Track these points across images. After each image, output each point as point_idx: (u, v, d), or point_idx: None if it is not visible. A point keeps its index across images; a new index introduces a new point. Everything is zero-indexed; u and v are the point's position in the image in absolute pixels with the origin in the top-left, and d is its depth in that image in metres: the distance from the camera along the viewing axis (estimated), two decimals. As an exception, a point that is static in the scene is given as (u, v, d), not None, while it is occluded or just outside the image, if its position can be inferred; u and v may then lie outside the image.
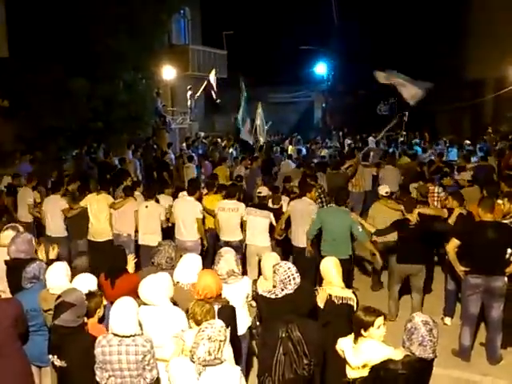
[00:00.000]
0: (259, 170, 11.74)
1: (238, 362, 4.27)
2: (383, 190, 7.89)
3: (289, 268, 4.34)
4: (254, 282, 5.09)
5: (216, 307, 4.10)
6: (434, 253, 7.50)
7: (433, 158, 13.48)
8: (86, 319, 4.02)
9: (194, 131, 21.99)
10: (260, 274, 5.22)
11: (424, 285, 7.59)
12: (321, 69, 30.57)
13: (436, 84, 24.93)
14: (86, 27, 12.62)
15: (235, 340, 4.24)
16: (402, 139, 20.81)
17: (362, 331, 3.73)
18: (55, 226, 8.20)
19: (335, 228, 6.70)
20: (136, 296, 4.73)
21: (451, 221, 6.58)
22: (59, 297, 3.94)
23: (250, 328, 4.98)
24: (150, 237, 7.59)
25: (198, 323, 3.64)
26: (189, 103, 21.11)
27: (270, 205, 7.84)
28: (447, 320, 6.73)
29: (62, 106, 12.84)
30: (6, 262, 5.16)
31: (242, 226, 7.69)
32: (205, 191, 8.85)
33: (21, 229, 5.85)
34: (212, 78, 18.51)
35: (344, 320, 4.25)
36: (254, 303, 4.81)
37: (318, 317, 4.38)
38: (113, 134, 14.80)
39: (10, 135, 12.79)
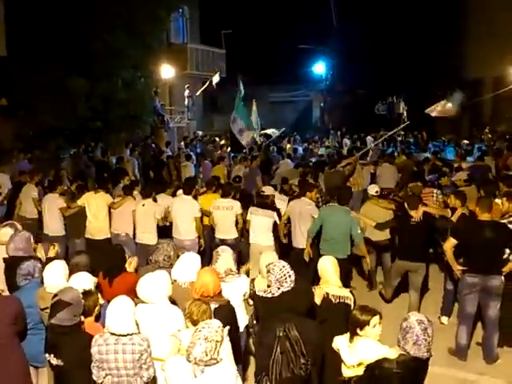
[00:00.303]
0: (258, 170, 11.75)
1: (237, 362, 4.27)
2: (373, 189, 7.91)
3: (283, 266, 4.34)
4: (252, 280, 5.11)
5: (213, 306, 4.09)
6: (430, 251, 7.51)
7: (428, 155, 13.49)
8: (82, 318, 4.02)
9: (192, 130, 21.99)
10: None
11: (422, 284, 7.63)
12: (319, 68, 30.57)
13: (435, 83, 25.03)
14: (84, 25, 12.59)
15: (236, 340, 4.24)
16: (400, 139, 20.83)
17: (358, 330, 3.74)
18: (53, 225, 8.20)
19: (335, 227, 6.71)
20: (134, 295, 4.74)
21: (454, 218, 6.55)
22: (55, 295, 3.95)
23: (247, 327, 4.99)
24: (147, 235, 7.63)
25: (195, 323, 3.64)
26: (187, 102, 21.10)
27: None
28: (444, 319, 6.75)
29: (60, 104, 12.81)
30: (5, 260, 5.18)
31: (237, 224, 7.73)
32: (202, 190, 8.86)
33: (19, 227, 5.87)
34: (215, 79, 18.52)
35: (341, 319, 4.25)
36: (251, 301, 4.82)
37: (316, 316, 4.39)
38: (111, 132, 14.78)
39: (9, 134, 12.77)
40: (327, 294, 4.50)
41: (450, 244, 5.78)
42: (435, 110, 12.64)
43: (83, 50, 12.67)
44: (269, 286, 4.35)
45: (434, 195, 8.35)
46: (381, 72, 25.62)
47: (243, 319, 4.88)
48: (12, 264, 4.98)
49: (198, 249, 7.68)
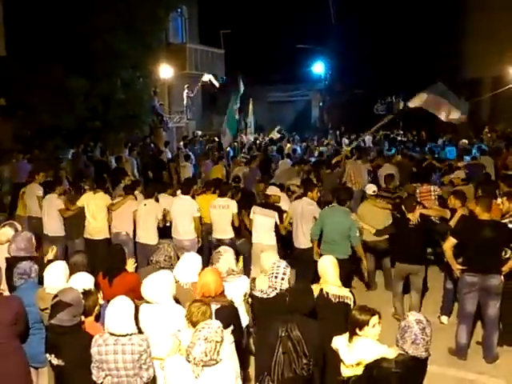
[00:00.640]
0: (258, 170, 11.75)
1: (241, 363, 4.27)
2: (370, 189, 7.90)
3: (278, 266, 4.39)
4: (253, 280, 5.11)
5: (214, 307, 4.09)
6: (428, 251, 7.51)
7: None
8: (83, 318, 4.02)
9: (191, 130, 21.99)
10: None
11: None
12: (318, 68, 30.58)
13: (433, 83, 25.04)
14: (83, 25, 12.59)
15: (239, 341, 4.24)
16: (399, 138, 20.84)
17: (357, 330, 3.74)
18: (52, 225, 8.19)
19: (335, 228, 6.71)
20: (133, 295, 4.75)
21: (453, 222, 6.53)
22: (56, 296, 3.95)
23: (247, 326, 4.99)
24: (147, 235, 7.63)
25: (194, 324, 3.63)
26: (186, 102, 21.10)
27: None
28: (444, 319, 6.75)
29: (59, 104, 12.81)
30: (7, 260, 5.19)
31: (233, 222, 7.75)
32: (200, 190, 8.86)
33: (18, 226, 5.88)
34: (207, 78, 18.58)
35: (341, 319, 4.25)
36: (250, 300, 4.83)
37: (316, 315, 4.40)
38: (110, 132, 14.78)
39: (8, 134, 12.77)
40: (327, 293, 4.50)
41: (449, 243, 5.78)
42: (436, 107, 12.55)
43: (82, 50, 12.67)
44: (254, 280, 4.39)
45: (432, 194, 8.35)
46: (380, 72, 25.64)
47: (244, 319, 4.89)
48: (13, 264, 4.97)
49: (198, 248, 7.70)
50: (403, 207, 6.69)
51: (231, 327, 4.16)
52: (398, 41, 24.75)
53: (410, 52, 24.68)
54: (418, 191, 8.43)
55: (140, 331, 4.03)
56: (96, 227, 8.00)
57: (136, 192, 8.37)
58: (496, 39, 21.07)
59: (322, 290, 4.53)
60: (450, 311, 6.75)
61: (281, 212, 7.57)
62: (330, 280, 4.61)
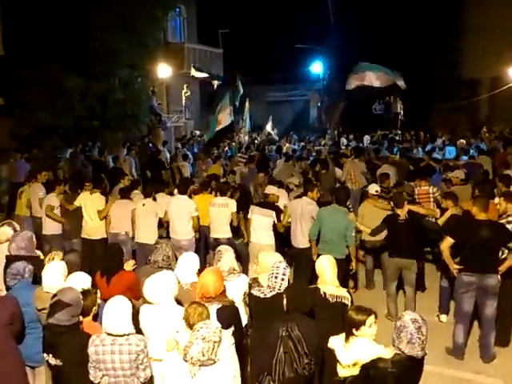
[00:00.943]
0: (256, 169, 11.76)
1: (242, 363, 4.27)
2: (373, 189, 7.91)
3: (277, 267, 4.39)
4: (254, 280, 5.09)
5: (215, 307, 4.09)
6: (425, 250, 7.53)
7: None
8: (81, 318, 4.02)
9: (189, 130, 21.99)
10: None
11: (418, 283, 7.65)
12: (317, 68, 30.59)
13: (433, 82, 25.08)
14: (81, 25, 12.58)
15: (240, 341, 4.23)
16: (397, 138, 20.87)
17: (354, 330, 3.74)
18: (49, 224, 8.20)
19: (333, 228, 6.73)
20: (131, 294, 4.75)
21: (442, 220, 6.67)
22: (55, 295, 3.94)
23: (245, 326, 4.99)
24: (147, 235, 7.61)
25: (191, 326, 3.61)
26: (184, 101, 21.09)
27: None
28: (443, 317, 6.77)
29: (57, 103, 12.80)
30: (7, 258, 5.19)
31: (232, 222, 7.74)
32: (196, 188, 8.88)
33: (16, 226, 5.90)
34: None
35: (338, 318, 4.24)
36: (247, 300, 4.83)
37: (314, 315, 4.40)
38: (107, 132, 14.76)
39: (5, 133, 12.75)
40: (324, 293, 4.50)
41: (446, 243, 5.79)
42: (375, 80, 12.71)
43: (80, 49, 12.65)
44: (254, 280, 4.39)
45: (431, 196, 8.36)
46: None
47: (244, 319, 4.88)
48: (13, 262, 4.97)
49: (196, 246, 7.72)
50: (392, 203, 6.84)
51: (232, 328, 4.15)
52: (397, 40, 24.76)
53: (408, 52, 24.68)
54: (416, 191, 8.45)
55: (140, 332, 4.03)
56: (93, 227, 8.01)
57: (136, 191, 8.39)
58: (495, 40, 21.13)
59: (319, 289, 4.53)
60: (448, 310, 6.76)
61: (279, 211, 7.58)
62: (327, 280, 4.61)
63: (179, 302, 4.27)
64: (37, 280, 4.77)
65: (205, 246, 8.27)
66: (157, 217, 7.76)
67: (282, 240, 7.76)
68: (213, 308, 4.06)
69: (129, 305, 3.79)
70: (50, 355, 3.87)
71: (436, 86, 25.14)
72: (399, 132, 22.77)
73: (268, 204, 7.55)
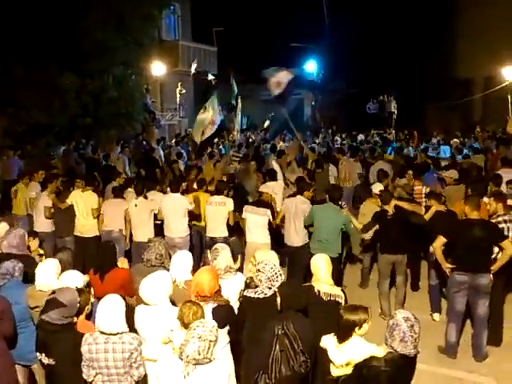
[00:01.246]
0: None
1: (236, 362, 4.26)
2: (377, 188, 7.90)
3: (274, 265, 4.38)
4: (252, 279, 5.08)
5: (211, 306, 4.08)
6: (419, 249, 7.56)
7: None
8: (75, 319, 3.99)
9: (183, 128, 21.93)
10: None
11: (412, 282, 7.68)
12: (311, 67, 30.57)
13: (426, 82, 25.17)
14: (76, 22, 12.52)
15: (236, 340, 4.22)
16: (391, 138, 20.91)
17: (357, 329, 3.73)
18: (41, 222, 8.17)
19: (327, 227, 6.75)
20: (125, 291, 4.74)
21: (427, 216, 6.78)
22: (53, 292, 3.93)
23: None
24: (143, 233, 7.59)
25: (186, 325, 3.60)
26: (178, 99, 21.04)
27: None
28: (436, 316, 6.81)
29: (51, 101, 12.75)
30: None
31: (229, 221, 7.73)
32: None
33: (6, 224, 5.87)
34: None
35: (331, 317, 4.22)
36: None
37: (307, 313, 4.40)
38: (101, 129, 14.71)
39: (-1, 130, 12.72)
40: (318, 291, 4.50)
41: (439, 242, 5.82)
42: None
43: (75, 47, 12.59)
44: (256, 286, 4.34)
45: (423, 195, 8.38)
46: (372, 71, 25.72)
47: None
48: (4, 260, 4.93)
49: (190, 246, 7.70)
50: (379, 200, 6.97)
51: (227, 327, 4.15)
52: (390, 40, 24.84)
53: (402, 51, 24.78)
54: (414, 189, 8.48)
55: (135, 331, 4.02)
56: (86, 225, 7.99)
57: (129, 190, 8.37)
58: (489, 40, 21.21)
59: (313, 287, 4.53)
60: (440, 308, 6.79)
61: (273, 210, 7.57)
62: (322, 278, 4.61)
63: (174, 301, 4.26)
64: (28, 279, 4.75)
65: (200, 245, 8.24)
66: (151, 214, 7.75)
67: (277, 239, 7.76)
68: (208, 307, 4.05)
69: (122, 303, 3.78)
70: (43, 354, 3.86)
71: (430, 86, 25.23)
72: (393, 131, 22.82)
73: (262, 203, 7.55)
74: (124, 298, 4.08)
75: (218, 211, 7.67)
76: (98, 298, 4.00)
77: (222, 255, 4.85)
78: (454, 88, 24.74)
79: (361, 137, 21.31)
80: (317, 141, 21.23)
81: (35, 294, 4.43)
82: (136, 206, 7.72)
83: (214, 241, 7.20)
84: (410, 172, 9.11)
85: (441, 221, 6.45)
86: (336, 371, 3.75)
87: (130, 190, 8.39)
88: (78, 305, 3.95)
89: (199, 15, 23.50)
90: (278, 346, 3.66)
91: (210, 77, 21.21)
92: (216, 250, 4.95)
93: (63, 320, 3.82)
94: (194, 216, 8.02)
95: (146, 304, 4.14)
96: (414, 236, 6.81)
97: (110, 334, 3.64)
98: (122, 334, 3.66)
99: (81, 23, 12.63)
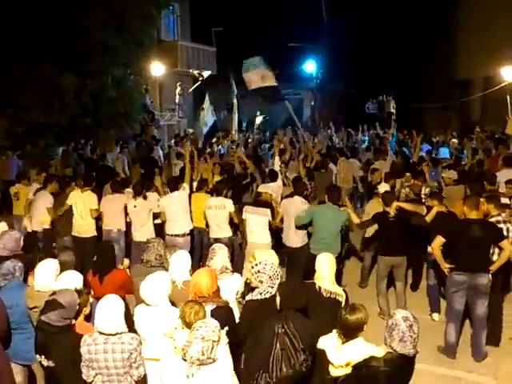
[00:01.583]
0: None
1: (235, 362, 4.26)
2: (382, 188, 7.90)
3: (273, 264, 4.39)
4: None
5: (209, 308, 4.07)
6: (419, 249, 7.56)
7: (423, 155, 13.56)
8: (73, 321, 3.98)
9: (182, 128, 21.92)
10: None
11: (412, 282, 7.68)
12: (310, 67, 30.60)
13: (425, 82, 25.17)
14: (74, 21, 12.51)
15: (234, 341, 4.22)
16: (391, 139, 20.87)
17: (365, 326, 3.73)
18: (38, 221, 8.15)
19: (327, 227, 6.77)
20: (124, 292, 4.74)
21: (429, 218, 6.74)
22: (53, 293, 3.93)
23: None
24: (142, 234, 7.62)
25: (187, 325, 3.61)
26: (177, 100, 21.03)
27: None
28: (435, 316, 6.81)
29: (50, 101, 12.74)
30: None
31: (232, 220, 7.72)
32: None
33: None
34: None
35: (330, 314, 4.21)
36: (242, 300, 4.81)
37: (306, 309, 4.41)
38: (100, 130, 14.70)
39: (-1, 130, 12.71)
40: (319, 287, 4.54)
41: (437, 242, 5.82)
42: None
43: (74, 48, 12.58)
44: (256, 287, 4.34)
45: (423, 196, 8.38)
46: (371, 71, 25.72)
47: (237, 318, 4.87)
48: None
49: (191, 246, 7.73)
50: (382, 201, 6.93)
51: (226, 328, 4.14)
52: (389, 39, 24.84)
53: (401, 51, 24.77)
54: (422, 189, 8.49)
55: (135, 331, 4.02)
56: (84, 225, 7.99)
57: (128, 190, 8.36)
58: (488, 39, 21.21)
59: (315, 284, 4.57)
60: (439, 308, 6.80)
61: (273, 209, 7.57)
62: (324, 276, 4.63)
63: (173, 301, 4.26)
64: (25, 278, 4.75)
65: (200, 246, 8.23)
66: (150, 214, 7.77)
67: (277, 239, 7.76)
68: (207, 309, 4.03)
69: (121, 304, 3.78)
70: (43, 356, 3.85)
71: (429, 86, 25.23)
72: (394, 132, 22.76)
73: (261, 202, 7.54)
74: (123, 299, 4.08)
75: (217, 215, 7.64)
76: (98, 299, 4.00)
77: (219, 255, 4.85)
78: (453, 88, 24.75)
79: (360, 137, 21.29)
80: (316, 140, 21.21)
81: (33, 294, 4.43)
82: (135, 206, 7.72)
83: (217, 241, 7.12)
84: (408, 174, 9.08)
85: (441, 222, 6.43)
86: (335, 371, 3.74)
87: (128, 190, 8.38)
88: (78, 306, 3.94)
89: (198, 15, 23.48)
90: (278, 345, 3.67)
91: (206, 74, 21.16)
92: (213, 250, 4.96)
93: (62, 321, 3.82)
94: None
95: (146, 304, 4.14)
96: (415, 237, 6.81)
97: (109, 335, 3.63)
98: (121, 334, 3.65)
99: (81, 23, 12.60)
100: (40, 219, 8.08)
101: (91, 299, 4.29)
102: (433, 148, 15.86)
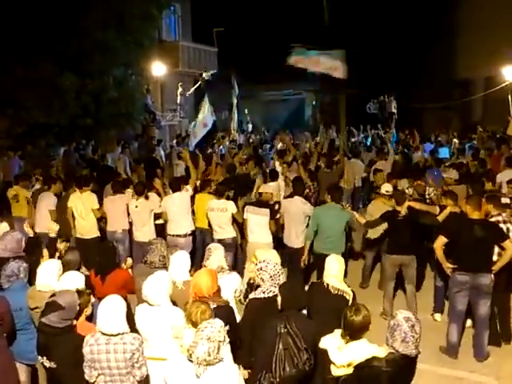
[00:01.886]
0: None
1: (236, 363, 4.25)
2: (384, 188, 7.88)
3: (276, 263, 4.41)
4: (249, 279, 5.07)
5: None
6: (425, 249, 7.54)
7: (425, 155, 13.56)
8: (74, 321, 3.98)
9: (184, 128, 21.92)
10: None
11: (416, 281, 7.65)
12: (311, 66, 30.53)
13: (426, 82, 25.13)
14: (74, 21, 12.51)
15: (235, 340, 4.21)
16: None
17: (362, 333, 3.72)
18: (42, 222, 8.17)
19: (331, 226, 6.78)
20: (126, 292, 4.74)
21: (441, 217, 6.67)
22: (53, 295, 3.92)
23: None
24: (143, 234, 7.64)
25: (193, 324, 3.61)
26: (179, 100, 21.04)
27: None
28: (437, 316, 6.80)
29: (51, 102, 12.75)
30: None
31: (237, 221, 7.70)
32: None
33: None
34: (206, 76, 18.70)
35: (336, 311, 4.17)
36: (243, 300, 4.81)
37: (313, 304, 4.42)
38: (101, 130, 14.71)
39: (-1, 131, 12.72)
40: (327, 284, 4.58)
41: (439, 242, 5.81)
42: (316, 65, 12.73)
43: (75, 48, 12.59)
44: (258, 286, 4.33)
45: (427, 195, 8.37)
46: (372, 71, 25.68)
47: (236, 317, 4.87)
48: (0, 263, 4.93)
49: (192, 247, 7.74)
50: (393, 201, 6.89)
51: (227, 327, 4.14)
52: (390, 40, 24.80)
53: (402, 51, 24.73)
54: (426, 190, 8.47)
55: (136, 331, 4.02)
56: (85, 226, 7.99)
57: (128, 190, 8.37)
58: (489, 39, 21.18)
59: (323, 282, 4.63)
60: (443, 309, 6.77)
61: (273, 209, 7.56)
62: (333, 274, 4.66)
63: (174, 301, 4.27)
64: (29, 279, 4.74)
65: (202, 247, 8.22)
66: (151, 214, 7.77)
67: (278, 240, 7.76)
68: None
69: (123, 304, 3.77)
70: (45, 357, 3.86)
71: (429, 86, 25.19)
72: (393, 132, 22.76)
73: (262, 203, 7.54)
74: (125, 299, 4.08)
75: (219, 217, 7.61)
76: (100, 299, 4.00)
77: (214, 255, 4.86)
78: (454, 88, 24.70)
79: (360, 137, 21.30)
80: (317, 139, 21.22)
81: (35, 294, 4.43)
82: (136, 207, 7.73)
83: (222, 242, 7.09)
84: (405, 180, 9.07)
85: (454, 222, 6.34)
86: (337, 371, 3.74)
87: (128, 190, 8.39)
88: (78, 307, 3.94)
89: (199, 15, 23.47)
90: (281, 345, 3.66)
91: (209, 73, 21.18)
92: (209, 250, 4.98)
93: (63, 323, 3.82)
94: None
95: (149, 304, 4.15)
96: (423, 236, 6.80)
97: (111, 335, 3.63)
98: (123, 334, 3.65)
99: (81, 23, 12.61)
100: (46, 225, 8.08)
101: (93, 299, 4.29)
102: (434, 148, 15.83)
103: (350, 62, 13.96)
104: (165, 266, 4.97)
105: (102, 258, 5.26)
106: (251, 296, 4.41)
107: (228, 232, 7.64)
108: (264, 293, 4.27)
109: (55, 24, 12.20)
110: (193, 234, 7.89)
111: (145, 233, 7.63)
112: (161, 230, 7.92)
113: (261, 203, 7.52)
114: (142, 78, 16.84)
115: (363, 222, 7.17)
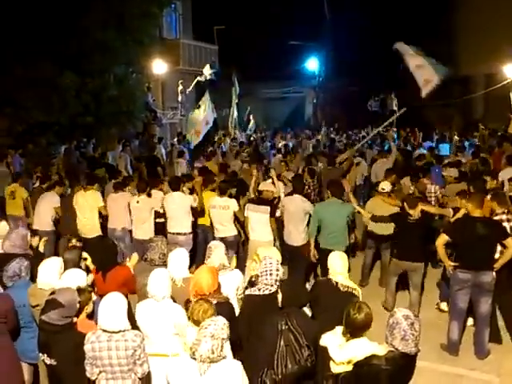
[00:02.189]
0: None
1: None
2: (381, 186, 7.84)
3: (277, 261, 4.42)
4: (256, 276, 5.06)
5: None
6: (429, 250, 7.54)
7: (425, 152, 13.56)
8: (75, 319, 3.99)
9: (184, 126, 21.91)
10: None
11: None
12: (312, 64, 30.56)
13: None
14: (74, 21, 12.51)
15: (235, 338, 4.22)
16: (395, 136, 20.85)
17: (364, 331, 3.71)
18: (43, 220, 8.18)
19: (334, 222, 6.79)
20: (127, 289, 4.75)
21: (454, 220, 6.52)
22: (53, 293, 3.93)
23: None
24: (143, 232, 7.65)
25: (196, 322, 3.61)
26: (180, 98, 21.03)
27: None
28: (443, 305, 6.77)
29: (52, 100, 12.75)
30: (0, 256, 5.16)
31: (238, 220, 7.69)
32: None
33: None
34: (206, 71, 18.65)
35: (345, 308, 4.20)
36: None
37: (320, 302, 4.43)
38: (102, 128, 14.72)
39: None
40: (336, 282, 4.58)
41: (441, 240, 5.80)
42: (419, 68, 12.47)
43: (75, 46, 12.59)
44: (255, 283, 4.35)
45: (433, 195, 8.36)
46: (373, 68, 25.67)
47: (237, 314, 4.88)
48: (6, 260, 4.92)
49: (193, 244, 7.74)
50: (405, 203, 6.70)
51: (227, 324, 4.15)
52: (390, 37, 24.72)
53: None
54: (427, 189, 8.43)
55: (137, 328, 4.03)
56: (87, 225, 7.99)
57: (129, 188, 8.37)
58: (489, 36, 21.14)
59: (331, 279, 4.61)
60: (449, 297, 6.71)
61: (273, 207, 7.56)
62: (338, 271, 4.66)
63: (173, 299, 4.28)
64: (32, 277, 4.75)
65: (204, 244, 8.22)
66: (152, 212, 7.77)
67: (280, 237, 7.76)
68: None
69: (124, 301, 3.78)
70: (45, 355, 3.87)
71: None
72: (395, 129, 22.75)
73: (263, 200, 7.54)
74: (126, 296, 4.09)
75: (221, 215, 7.59)
76: (101, 297, 4.01)
77: (216, 254, 4.87)
78: (454, 86, 24.65)
79: (363, 135, 21.29)
80: (318, 137, 21.22)
81: (36, 292, 4.44)
82: (138, 202, 7.73)
83: (224, 240, 7.03)
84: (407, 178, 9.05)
85: (456, 220, 6.24)
86: (336, 368, 3.74)
87: (129, 188, 8.39)
88: (78, 305, 3.94)
89: (200, 13, 23.46)
90: (282, 342, 3.67)
91: (206, 72, 21.18)
92: (210, 248, 4.99)
93: (63, 320, 3.82)
94: (198, 213, 7.99)
95: (154, 300, 4.15)
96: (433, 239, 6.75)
97: (113, 332, 3.64)
98: (124, 331, 3.66)
99: (81, 23, 12.61)
100: (50, 223, 8.12)
101: (94, 297, 4.30)
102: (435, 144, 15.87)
103: (352, 60, 13.94)
104: (165, 264, 4.98)
105: (103, 255, 5.27)
106: (247, 292, 4.43)
107: (230, 230, 7.61)
108: (259, 290, 4.28)
109: (55, 24, 12.19)
110: (194, 232, 7.88)
111: (145, 230, 7.64)
112: (161, 229, 7.92)
113: (261, 201, 7.53)
114: (142, 76, 16.84)
115: (366, 216, 7.15)
